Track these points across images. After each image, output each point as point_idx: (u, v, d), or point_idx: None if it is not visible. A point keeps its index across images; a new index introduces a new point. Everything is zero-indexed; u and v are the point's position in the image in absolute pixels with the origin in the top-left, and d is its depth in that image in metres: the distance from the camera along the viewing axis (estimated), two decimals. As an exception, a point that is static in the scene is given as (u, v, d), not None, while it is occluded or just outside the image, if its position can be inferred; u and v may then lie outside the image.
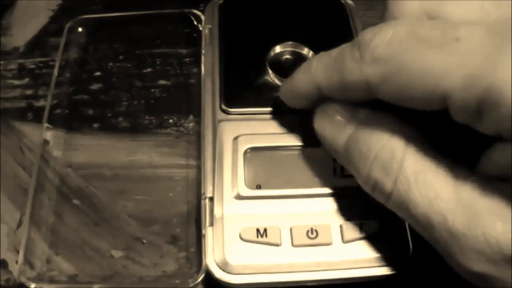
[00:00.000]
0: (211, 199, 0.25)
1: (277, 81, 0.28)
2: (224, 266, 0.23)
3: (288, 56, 0.29)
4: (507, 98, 0.15)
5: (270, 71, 0.28)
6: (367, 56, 0.19)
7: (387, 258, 0.24)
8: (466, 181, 0.18)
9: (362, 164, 0.20)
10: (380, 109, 0.21)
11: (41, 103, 0.32)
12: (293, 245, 0.24)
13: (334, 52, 0.21)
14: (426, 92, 0.17)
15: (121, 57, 0.34)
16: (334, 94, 0.22)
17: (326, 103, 0.23)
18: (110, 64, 0.33)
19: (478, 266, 0.18)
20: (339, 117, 0.22)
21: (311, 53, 0.29)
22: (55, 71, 0.32)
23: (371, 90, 0.19)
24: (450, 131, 0.19)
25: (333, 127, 0.22)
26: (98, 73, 0.33)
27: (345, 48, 0.20)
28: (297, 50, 0.29)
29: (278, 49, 0.29)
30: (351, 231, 0.24)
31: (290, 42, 0.29)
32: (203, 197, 0.25)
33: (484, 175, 0.18)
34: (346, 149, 0.21)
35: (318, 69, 0.22)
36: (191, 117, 0.31)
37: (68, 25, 0.34)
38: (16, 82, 0.33)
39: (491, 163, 0.18)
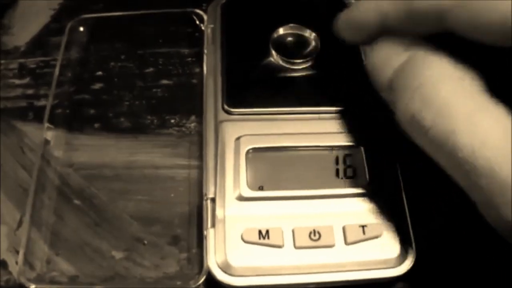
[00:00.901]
0: (213, 200, 0.25)
1: (281, 82, 0.28)
2: (225, 268, 0.23)
3: None
4: None
5: (274, 68, 0.28)
6: None
7: (390, 260, 0.23)
8: None
9: (403, 94, 0.19)
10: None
11: (42, 102, 0.32)
12: (295, 247, 0.23)
13: None
14: (502, 16, 0.16)
15: (122, 57, 0.33)
16: (400, 24, 0.20)
17: (383, 37, 0.21)
18: (112, 63, 0.33)
19: None
20: (393, 47, 0.21)
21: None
22: (56, 71, 0.31)
23: (441, 18, 0.18)
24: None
25: (385, 57, 0.21)
26: (99, 73, 0.33)
27: None
28: None
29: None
30: (354, 233, 0.24)
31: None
32: (204, 198, 0.25)
33: None
34: (393, 78, 0.20)
35: None
36: (193, 117, 0.31)
37: (69, 25, 0.33)
38: (17, 81, 0.33)
39: None
